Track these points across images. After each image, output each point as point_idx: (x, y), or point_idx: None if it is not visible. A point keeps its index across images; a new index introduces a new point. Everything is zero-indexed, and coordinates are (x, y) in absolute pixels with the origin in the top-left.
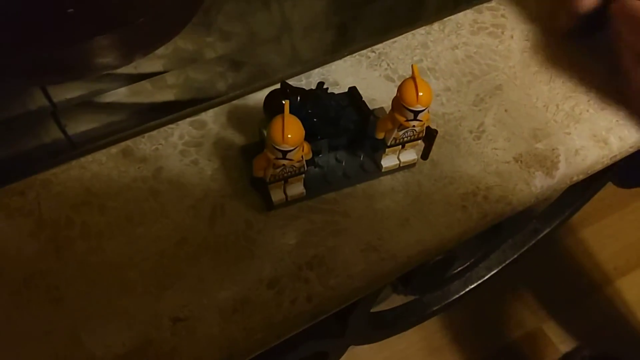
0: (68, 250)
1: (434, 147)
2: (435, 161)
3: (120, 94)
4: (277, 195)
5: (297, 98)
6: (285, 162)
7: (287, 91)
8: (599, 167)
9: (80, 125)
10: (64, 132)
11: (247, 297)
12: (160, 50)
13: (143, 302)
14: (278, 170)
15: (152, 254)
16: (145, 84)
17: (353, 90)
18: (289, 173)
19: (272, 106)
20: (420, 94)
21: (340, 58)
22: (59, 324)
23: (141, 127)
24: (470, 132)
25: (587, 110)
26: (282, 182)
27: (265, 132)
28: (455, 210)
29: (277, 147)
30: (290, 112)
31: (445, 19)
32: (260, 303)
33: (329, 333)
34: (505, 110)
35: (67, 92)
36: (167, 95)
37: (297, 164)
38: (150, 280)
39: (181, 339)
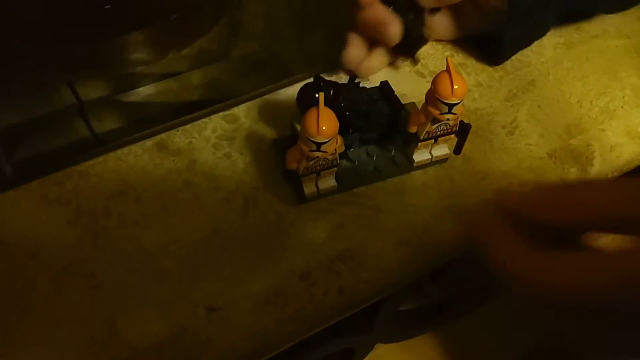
0: (105, 239)
1: (466, 143)
2: (467, 156)
3: (148, 93)
4: (309, 188)
5: (330, 91)
6: (319, 154)
7: (321, 84)
8: (635, 163)
9: (112, 122)
10: (90, 128)
11: (279, 289)
12: (186, 50)
13: (178, 290)
14: (311, 162)
15: (187, 244)
16: (171, 83)
17: (385, 85)
18: (322, 166)
19: (305, 99)
20: (455, 86)
21: None
22: (96, 310)
23: (175, 122)
24: (503, 127)
25: (622, 107)
26: (315, 175)
27: (297, 126)
28: (488, 206)
29: (311, 139)
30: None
31: None
32: (293, 295)
33: (357, 330)
34: (539, 106)
35: (100, 90)
36: (194, 95)
37: (330, 157)
38: (184, 269)
39: (215, 328)
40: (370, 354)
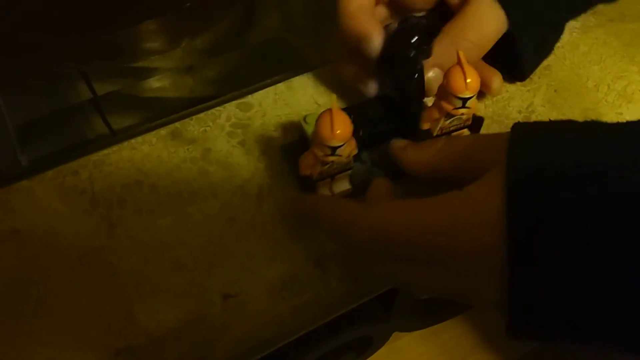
0: (120, 227)
1: (482, 129)
2: None
3: (161, 85)
4: (323, 193)
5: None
6: (334, 158)
7: None
8: None
9: (127, 113)
10: (104, 118)
11: (295, 276)
12: (198, 41)
13: (194, 278)
14: (326, 167)
15: (202, 232)
16: (184, 73)
17: None
18: (337, 170)
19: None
20: (469, 80)
21: None
22: (113, 298)
23: (189, 110)
24: (520, 112)
25: None
26: (329, 179)
27: (305, 126)
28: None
29: (326, 143)
30: None
31: None
32: (308, 281)
33: (374, 318)
34: (555, 91)
35: (114, 82)
36: (207, 84)
37: (345, 160)
38: (200, 257)
39: (231, 315)
40: (388, 346)
